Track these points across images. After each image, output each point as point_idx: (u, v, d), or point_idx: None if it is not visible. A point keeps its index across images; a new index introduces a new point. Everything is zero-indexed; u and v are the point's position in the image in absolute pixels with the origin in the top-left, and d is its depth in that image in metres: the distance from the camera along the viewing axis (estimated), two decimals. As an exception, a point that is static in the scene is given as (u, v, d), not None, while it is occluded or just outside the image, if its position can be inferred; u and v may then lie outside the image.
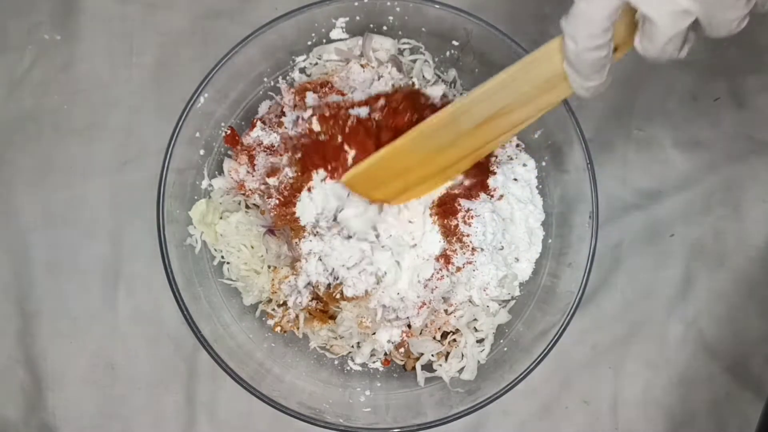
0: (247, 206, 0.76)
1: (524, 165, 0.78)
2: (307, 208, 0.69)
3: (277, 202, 0.70)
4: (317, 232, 0.69)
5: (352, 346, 0.75)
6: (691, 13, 0.45)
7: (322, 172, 0.68)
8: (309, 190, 0.68)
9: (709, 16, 0.45)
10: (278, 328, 0.76)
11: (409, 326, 0.72)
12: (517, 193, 0.76)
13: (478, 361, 0.74)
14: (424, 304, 0.70)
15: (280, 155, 0.72)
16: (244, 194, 0.75)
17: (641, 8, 0.45)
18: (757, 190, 0.83)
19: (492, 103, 0.59)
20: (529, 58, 0.55)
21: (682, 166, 0.84)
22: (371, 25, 0.77)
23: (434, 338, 0.74)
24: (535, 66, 0.56)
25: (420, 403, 0.73)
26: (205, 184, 0.77)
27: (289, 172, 0.70)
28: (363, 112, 0.67)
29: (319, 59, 0.78)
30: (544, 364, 0.69)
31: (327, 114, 0.68)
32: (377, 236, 0.69)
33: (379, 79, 0.74)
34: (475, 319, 0.74)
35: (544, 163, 0.78)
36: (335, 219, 0.69)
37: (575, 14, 0.49)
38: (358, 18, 0.76)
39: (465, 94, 0.63)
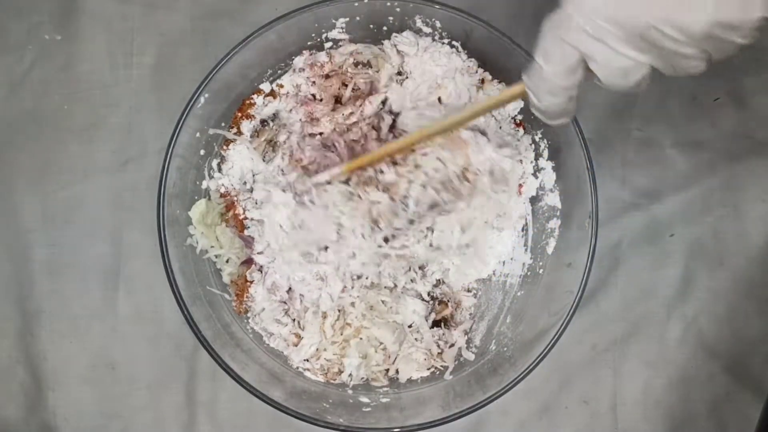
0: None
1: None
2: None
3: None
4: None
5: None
6: (643, 66, 0.47)
7: None
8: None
9: (666, 67, 0.47)
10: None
11: None
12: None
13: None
14: None
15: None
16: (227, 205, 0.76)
17: (591, 67, 0.48)
18: (756, 190, 0.83)
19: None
20: (492, 101, 0.60)
21: (681, 166, 0.84)
22: (371, 26, 0.77)
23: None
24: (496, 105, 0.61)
25: (420, 402, 0.74)
26: (205, 184, 0.77)
27: None
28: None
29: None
30: (544, 364, 0.69)
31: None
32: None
33: None
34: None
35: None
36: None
37: (534, 73, 0.51)
38: (358, 18, 0.76)
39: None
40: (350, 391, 0.75)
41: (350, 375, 0.74)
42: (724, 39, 0.44)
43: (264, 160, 0.75)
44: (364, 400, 0.74)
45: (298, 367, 0.75)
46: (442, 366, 0.76)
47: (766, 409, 0.75)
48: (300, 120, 0.75)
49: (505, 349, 0.75)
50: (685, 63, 0.46)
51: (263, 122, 0.77)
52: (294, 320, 0.74)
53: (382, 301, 0.74)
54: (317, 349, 0.74)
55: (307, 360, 0.75)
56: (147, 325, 0.81)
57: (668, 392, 0.81)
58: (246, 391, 0.69)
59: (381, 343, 0.74)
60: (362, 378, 0.75)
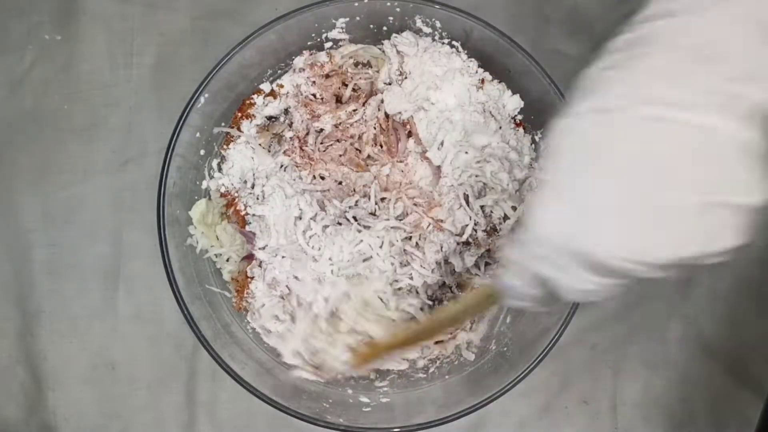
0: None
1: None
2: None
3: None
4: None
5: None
6: (609, 287, 0.45)
7: None
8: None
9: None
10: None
11: None
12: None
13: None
14: None
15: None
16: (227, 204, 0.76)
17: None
18: (756, 190, 0.83)
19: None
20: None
21: (681, 166, 0.83)
22: (371, 26, 0.77)
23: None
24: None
25: (420, 402, 0.73)
26: (205, 183, 0.77)
27: None
28: None
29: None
30: (544, 364, 0.69)
31: None
32: None
33: None
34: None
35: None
36: None
37: (506, 287, 0.50)
38: (358, 18, 0.76)
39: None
40: (350, 391, 0.75)
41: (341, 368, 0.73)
42: (695, 264, 0.41)
43: (269, 152, 0.76)
44: (364, 400, 0.74)
45: (289, 367, 0.74)
46: (441, 366, 0.76)
47: (766, 409, 0.75)
48: (306, 117, 0.76)
49: (505, 349, 0.75)
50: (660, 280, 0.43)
51: (271, 118, 0.77)
52: (290, 315, 0.74)
53: (379, 297, 0.73)
54: (306, 340, 0.73)
55: (296, 355, 0.73)
56: (147, 325, 0.81)
57: (668, 392, 0.81)
58: (246, 390, 0.69)
59: (372, 338, 0.73)
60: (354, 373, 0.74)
